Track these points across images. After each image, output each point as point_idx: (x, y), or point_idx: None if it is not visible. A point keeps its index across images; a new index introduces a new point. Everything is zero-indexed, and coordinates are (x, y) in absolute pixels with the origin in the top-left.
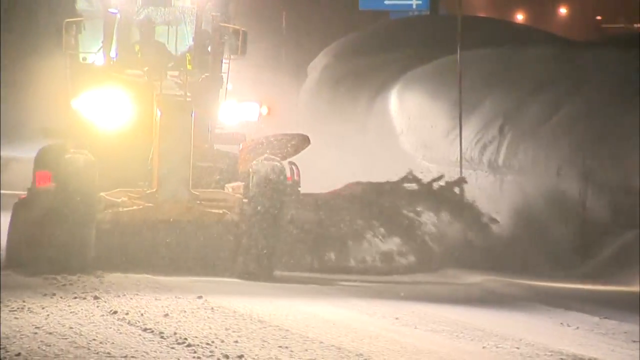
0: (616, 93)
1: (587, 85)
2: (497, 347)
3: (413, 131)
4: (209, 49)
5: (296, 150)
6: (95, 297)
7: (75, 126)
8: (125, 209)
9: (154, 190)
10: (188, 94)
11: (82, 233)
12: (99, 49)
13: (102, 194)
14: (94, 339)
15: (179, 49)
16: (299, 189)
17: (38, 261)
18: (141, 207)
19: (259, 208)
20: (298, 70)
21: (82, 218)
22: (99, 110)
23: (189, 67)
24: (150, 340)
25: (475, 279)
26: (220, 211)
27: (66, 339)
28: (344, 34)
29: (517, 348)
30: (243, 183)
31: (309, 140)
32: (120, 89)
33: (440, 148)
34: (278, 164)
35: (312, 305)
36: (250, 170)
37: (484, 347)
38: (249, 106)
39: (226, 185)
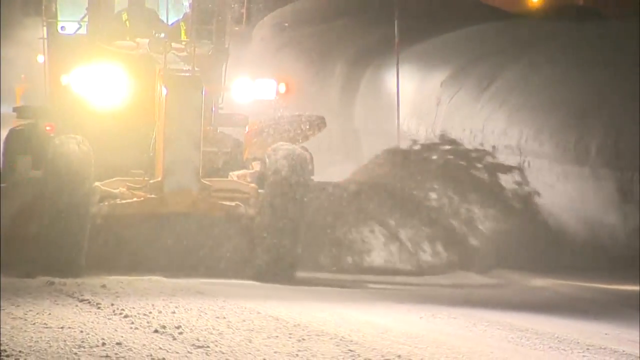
0: (553, 64)
1: (523, 57)
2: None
3: (352, 104)
4: (211, 17)
5: (311, 134)
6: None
7: (60, 106)
8: (123, 201)
9: (159, 179)
10: (196, 68)
11: (75, 229)
12: (83, 17)
13: (96, 183)
14: (31, 310)
15: (172, 18)
16: (312, 177)
17: (22, 261)
18: (142, 199)
19: (278, 200)
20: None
21: (75, 211)
22: (91, 87)
23: (183, 37)
24: (87, 312)
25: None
26: (233, 203)
27: (4, 309)
28: (284, 3)
29: None
30: (250, 171)
31: (325, 122)
32: (113, 63)
33: (379, 120)
34: (301, 150)
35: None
36: (267, 156)
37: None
38: (265, 83)
39: (230, 173)
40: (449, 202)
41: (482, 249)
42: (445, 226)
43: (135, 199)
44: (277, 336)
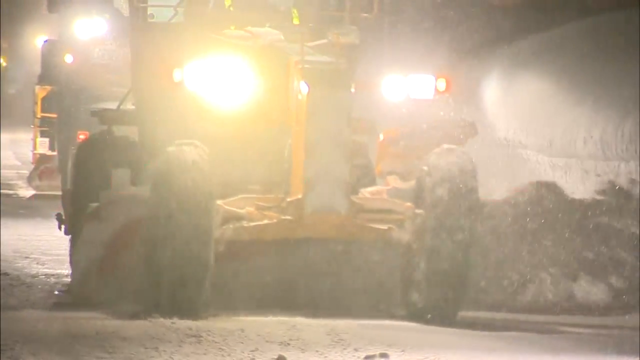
0: (532, 57)
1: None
2: None
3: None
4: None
5: (461, 142)
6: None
7: (159, 109)
8: (251, 223)
9: (298, 197)
10: (341, 61)
11: (195, 258)
12: (180, 2)
13: (218, 202)
14: (27, 300)
15: (281, 2)
16: None
17: (124, 299)
18: (276, 221)
19: (443, 222)
20: None
21: (195, 236)
22: (209, 85)
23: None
24: None
25: None
26: (385, 227)
27: None
28: None
29: None
30: (387, 187)
31: (476, 129)
32: (230, 56)
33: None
34: (469, 159)
35: None
36: (428, 165)
37: None
38: (421, 79)
39: (361, 190)
40: None
41: None
42: None
43: (266, 221)
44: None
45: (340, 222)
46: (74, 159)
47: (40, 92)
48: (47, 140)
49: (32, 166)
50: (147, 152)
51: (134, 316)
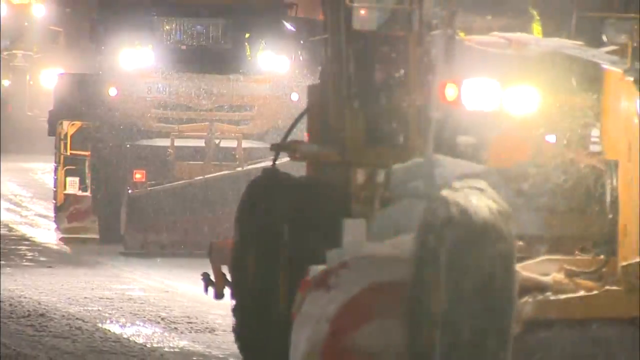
0: None
1: None
2: None
3: None
4: None
5: None
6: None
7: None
8: (561, 296)
9: (634, 260)
10: None
11: (487, 350)
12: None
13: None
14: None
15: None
16: None
17: None
18: (596, 292)
19: None
20: None
21: (490, 323)
22: (495, 105)
23: (537, 29)
24: None
25: None
26: None
27: None
28: None
29: None
30: None
31: None
32: (516, 69)
33: None
34: None
35: None
36: None
37: None
38: None
39: None
40: None
41: None
42: None
43: (582, 293)
44: None
45: None
46: (240, 205)
47: (70, 128)
48: (77, 179)
49: (55, 206)
50: (376, 196)
51: None
